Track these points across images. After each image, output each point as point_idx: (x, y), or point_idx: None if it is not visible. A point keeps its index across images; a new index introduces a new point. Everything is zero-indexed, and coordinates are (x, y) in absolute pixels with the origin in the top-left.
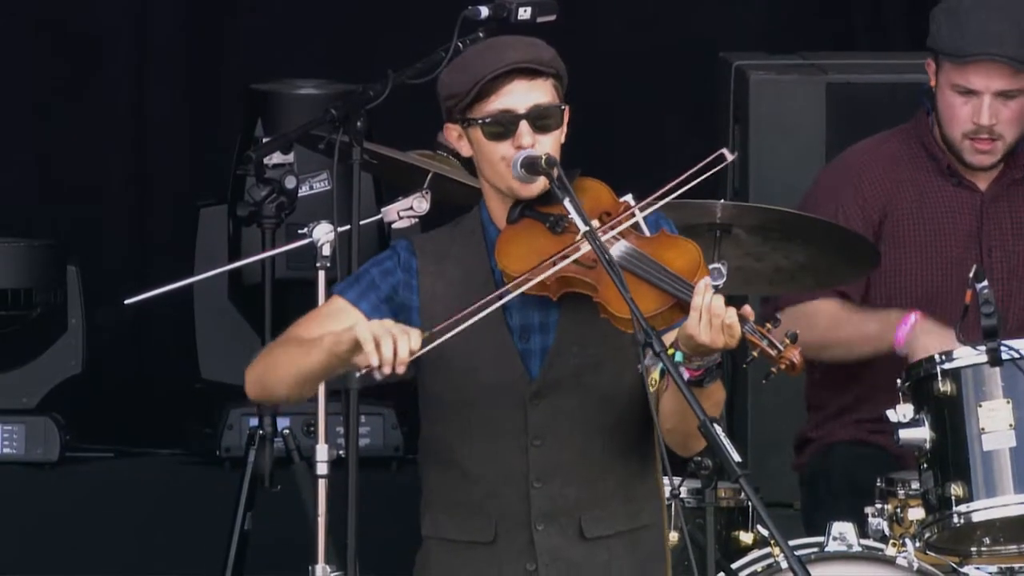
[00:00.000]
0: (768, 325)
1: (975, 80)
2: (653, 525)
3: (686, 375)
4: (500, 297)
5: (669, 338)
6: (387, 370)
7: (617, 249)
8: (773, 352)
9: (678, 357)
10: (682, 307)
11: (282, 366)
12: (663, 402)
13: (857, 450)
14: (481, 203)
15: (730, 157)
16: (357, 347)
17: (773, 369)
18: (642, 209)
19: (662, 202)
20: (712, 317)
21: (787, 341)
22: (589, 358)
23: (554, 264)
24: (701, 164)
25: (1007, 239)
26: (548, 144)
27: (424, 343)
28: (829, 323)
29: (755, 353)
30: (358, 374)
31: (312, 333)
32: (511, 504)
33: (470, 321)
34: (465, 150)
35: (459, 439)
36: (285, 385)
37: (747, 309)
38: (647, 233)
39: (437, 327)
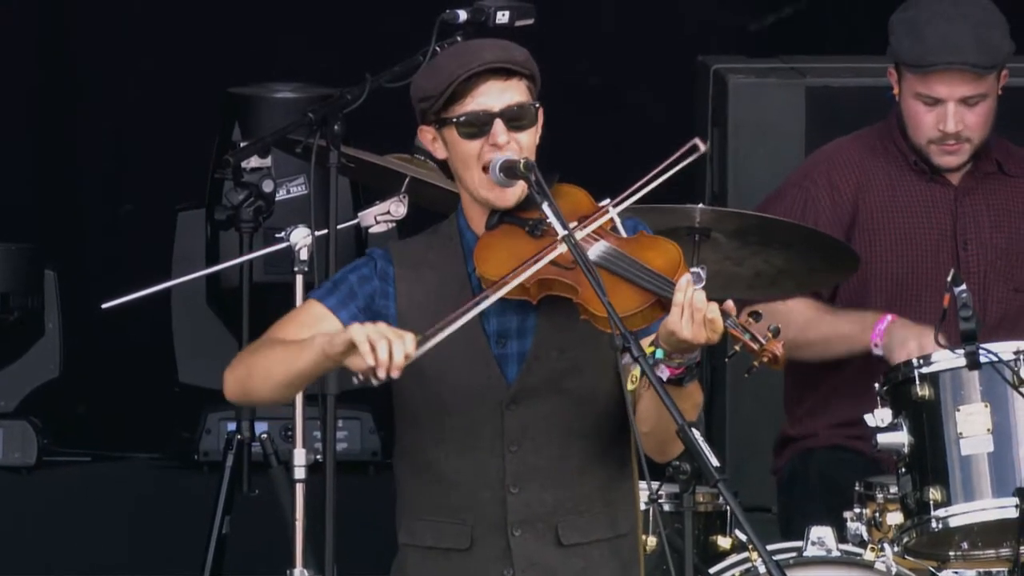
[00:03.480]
0: (749, 319)
1: (938, 88)
2: (630, 533)
3: (666, 373)
4: (486, 298)
5: (648, 341)
6: (382, 374)
7: (596, 249)
8: (755, 346)
9: (658, 354)
10: (663, 305)
11: (268, 367)
12: (640, 405)
13: (835, 454)
14: (458, 209)
15: (703, 147)
16: (351, 349)
17: (755, 363)
18: (620, 204)
19: (639, 194)
20: (694, 312)
21: (769, 335)
22: (567, 362)
23: (533, 265)
24: (675, 155)
25: (984, 231)
26: (523, 142)
27: (419, 345)
28: (803, 323)
29: (737, 347)
30: (356, 380)
31: (292, 338)
32: (487, 510)
33: (461, 321)
34: (439, 152)
35: (434, 445)
36: (271, 386)
37: (729, 304)
38: (625, 235)
39: (429, 330)
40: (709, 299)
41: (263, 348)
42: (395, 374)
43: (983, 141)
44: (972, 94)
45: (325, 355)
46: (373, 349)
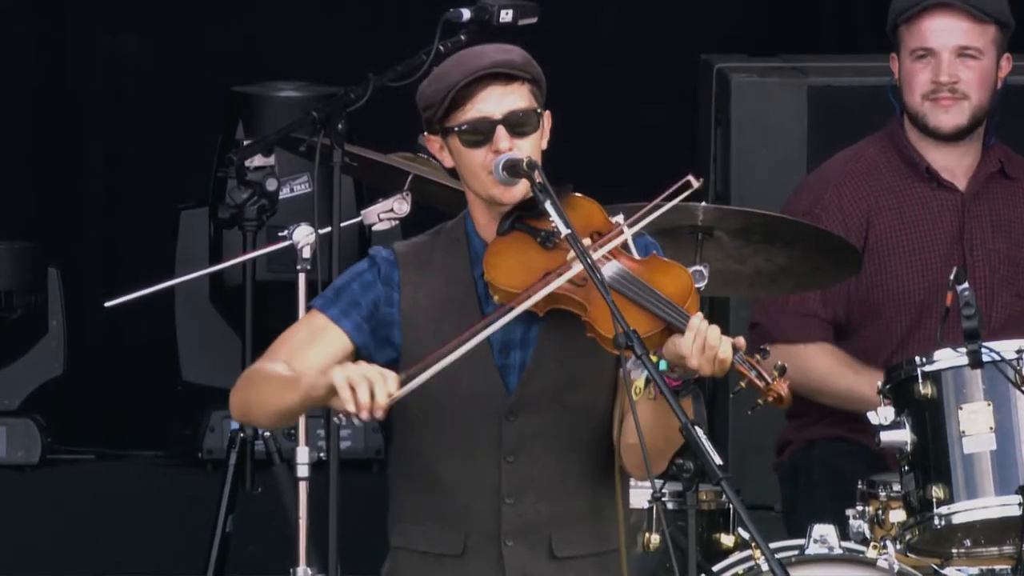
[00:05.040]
0: (757, 356)
1: (931, 36)
2: (617, 549)
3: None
4: (487, 326)
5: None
6: (364, 415)
7: (608, 270)
8: (761, 384)
9: (662, 366)
10: (671, 332)
11: (263, 400)
12: (631, 417)
13: (838, 445)
14: (466, 212)
15: (696, 184)
16: (334, 391)
17: (760, 400)
18: (635, 224)
19: (645, 221)
20: (707, 347)
21: (775, 374)
22: (567, 375)
23: (546, 284)
24: (670, 191)
25: (988, 237)
26: (526, 149)
27: (402, 385)
28: (823, 376)
29: (743, 384)
30: (336, 420)
31: (295, 355)
32: (481, 518)
33: (449, 359)
34: (447, 161)
35: (433, 451)
36: (267, 416)
37: (740, 341)
38: (636, 256)
39: (413, 368)
40: (711, 298)
41: (261, 375)
42: (379, 415)
43: (982, 107)
44: (965, 44)
45: (310, 397)
46: (354, 393)
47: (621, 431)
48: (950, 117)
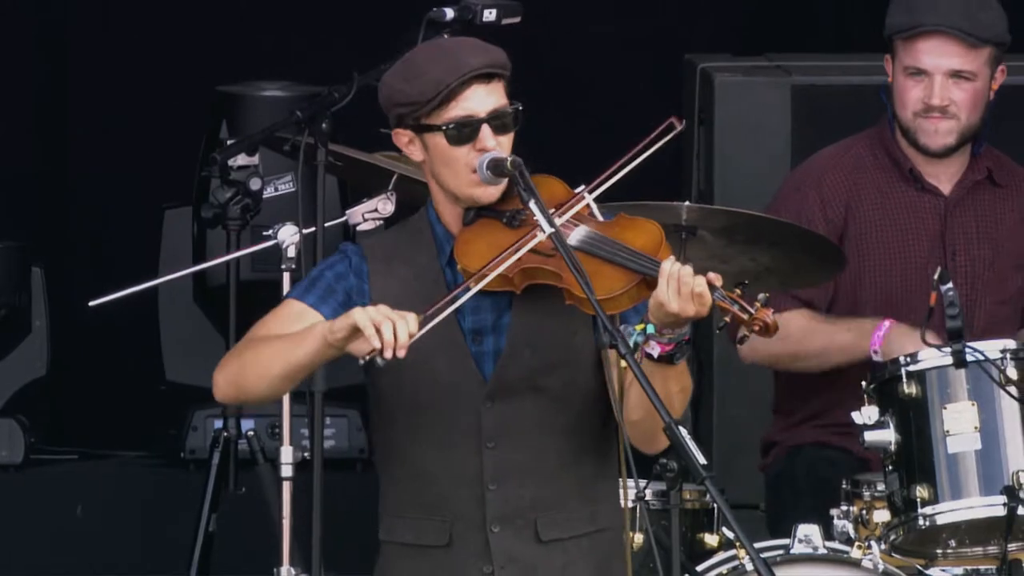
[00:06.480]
0: (738, 290)
1: (925, 58)
2: (612, 527)
3: (657, 349)
4: (481, 279)
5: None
6: (389, 354)
7: (577, 234)
8: (745, 316)
9: (649, 330)
10: (648, 284)
11: (264, 363)
12: (631, 393)
13: (822, 452)
14: (428, 204)
15: (679, 126)
16: (354, 334)
17: (745, 332)
18: (596, 189)
19: (616, 177)
20: (681, 286)
21: (758, 304)
22: (541, 360)
23: (523, 247)
24: (653, 135)
25: (971, 243)
26: (506, 145)
27: (422, 325)
28: (800, 334)
29: (727, 319)
30: (361, 361)
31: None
32: (466, 507)
33: (461, 300)
34: (416, 155)
35: (413, 442)
36: (267, 381)
37: (713, 276)
38: (601, 219)
39: (430, 309)
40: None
41: (255, 345)
42: (401, 354)
43: (972, 127)
44: (959, 68)
45: (326, 343)
46: (378, 331)
47: (622, 409)
48: (939, 137)
